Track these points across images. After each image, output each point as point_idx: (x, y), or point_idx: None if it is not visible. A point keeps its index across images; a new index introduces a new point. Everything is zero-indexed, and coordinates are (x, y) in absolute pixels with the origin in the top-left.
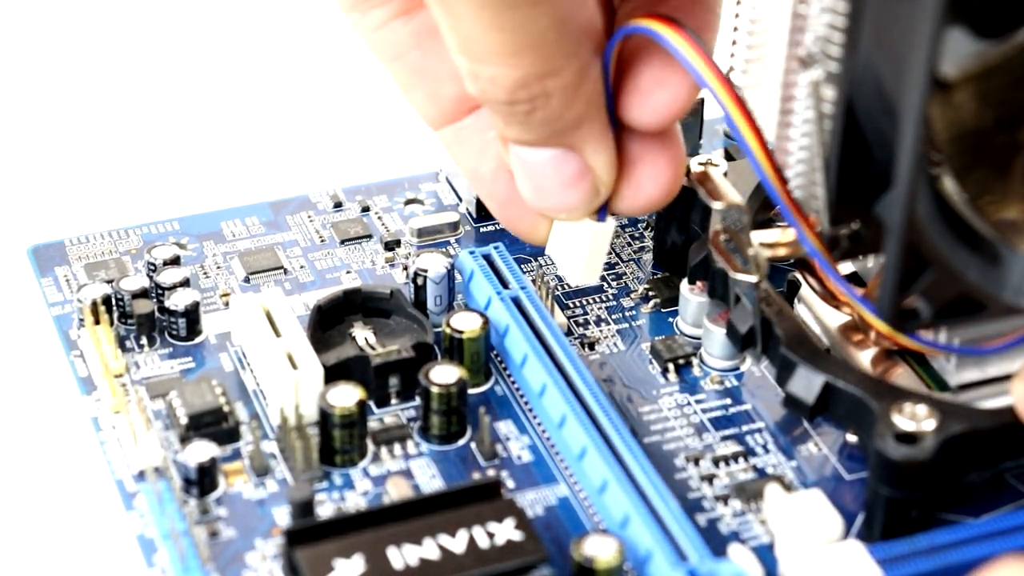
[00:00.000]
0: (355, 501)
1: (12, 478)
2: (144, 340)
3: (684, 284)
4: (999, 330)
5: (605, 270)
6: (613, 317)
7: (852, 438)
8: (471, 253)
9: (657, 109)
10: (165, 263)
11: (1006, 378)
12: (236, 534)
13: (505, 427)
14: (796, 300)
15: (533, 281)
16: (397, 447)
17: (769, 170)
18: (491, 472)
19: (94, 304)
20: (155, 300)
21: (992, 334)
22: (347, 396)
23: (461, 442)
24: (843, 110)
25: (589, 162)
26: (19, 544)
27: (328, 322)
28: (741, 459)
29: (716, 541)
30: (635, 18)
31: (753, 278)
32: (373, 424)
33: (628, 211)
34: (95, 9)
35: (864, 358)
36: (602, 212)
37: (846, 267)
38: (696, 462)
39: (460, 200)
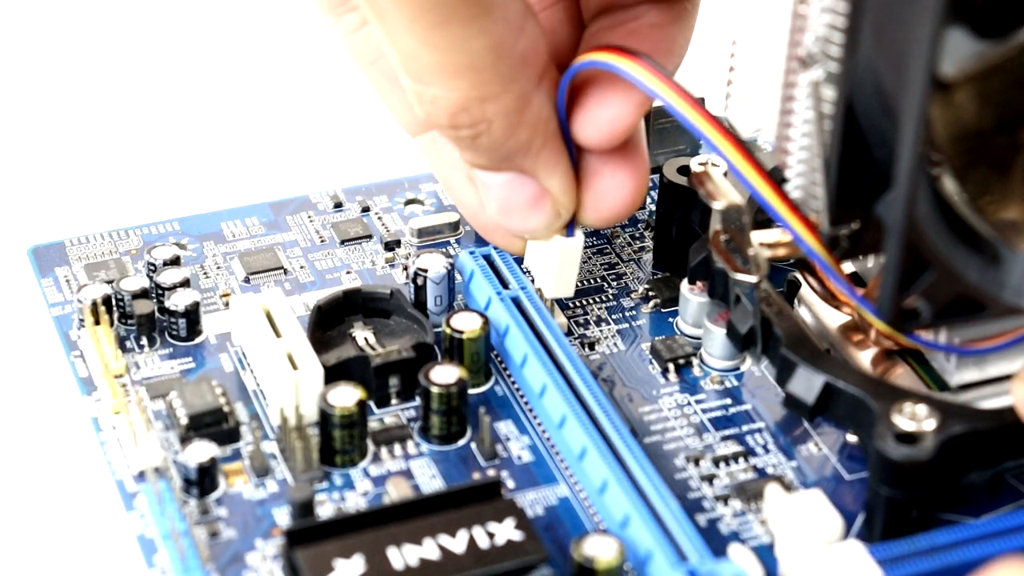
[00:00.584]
0: (355, 501)
1: (13, 479)
2: (144, 340)
3: (684, 284)
4: (998, 330)
5: (605, 270)
6: (613, 317)
7: (852, 438)
8: (471, 253)
9: (602, 129)
10: (165, 263)
11: (1006, 378)
12: (236, 534)
13: (505, 427)
14: (796, 300)
15: (533, 281)
16: (397, 447)
17: (760, 182)
18: (491, 472)
19: (94, 304)
20: (155, 300)
21: (991, 334)
22: (347, 396)
23: (461, 442)
24: (843, 110)
25: (545, 185)
26: (19, 544)
27: (328, 322)
28: (741, 459)
29: (716, 541)
30: (589, 51)
31: (753, 278)
32: (373, 424)
33: (594, 224)
34: (95, 9)
35: (864, 358)
36: (570, 227)
37: (846, 267)
38: (696, 462)
39: None
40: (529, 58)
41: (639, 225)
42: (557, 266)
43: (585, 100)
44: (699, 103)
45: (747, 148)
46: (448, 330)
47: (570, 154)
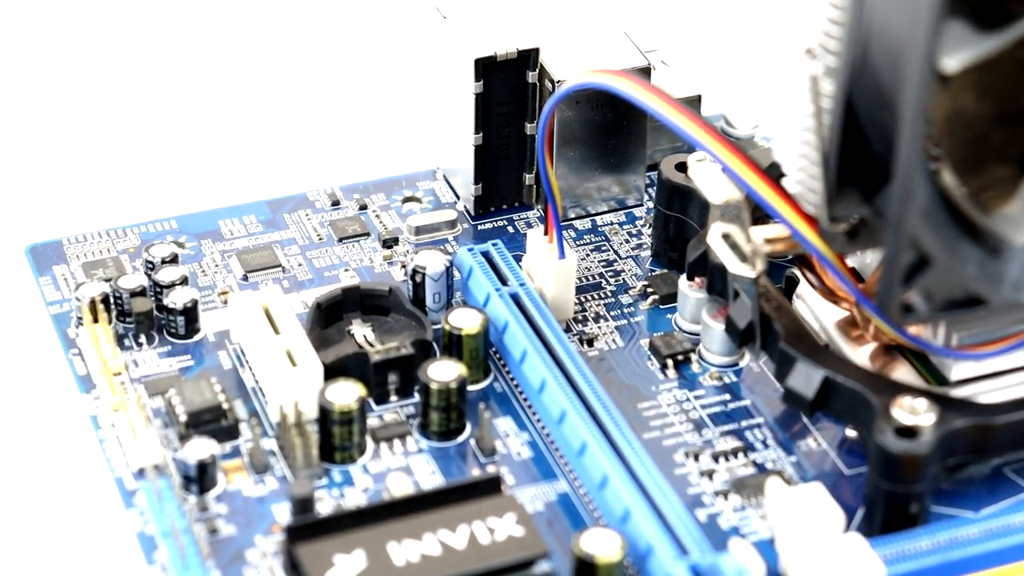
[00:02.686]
0: (355, 498)
1: (11, 477)
2: (143, 338)
3: (682, 280)
4: (997, 332)
5: (603, 267)
6: (611, 313)
7: (851, 433)
8: (469, 250)
9: None
10: (163, 261)
11: (1005, 373)
12: (236, 531)
13: (504, 423)
14: (794, 296)
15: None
16: (397, 444)
17: (759, 182)
18: (491, 468)
19: (92, 302)
20: (153, 298)
21: (990, 337)
22: (346, 393)
23: (460, 439)
24: (842, 104)
25: None
26: (19, 543)
27: (327, 319)
28: (740, 455)
29: (716, 536)
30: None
31: (752, 273)
32: (372, 421)
33: None
34: (92, 7)
35: (863, 353)
36: (560, 249)
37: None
38: (696, 458)
39: (458, 198)
40: None
41: (637, 222)
42: (553, 290)
43: None
44: (687, 108)
45: (741, 148)
46: (447, 327)
47: (543, 171)
